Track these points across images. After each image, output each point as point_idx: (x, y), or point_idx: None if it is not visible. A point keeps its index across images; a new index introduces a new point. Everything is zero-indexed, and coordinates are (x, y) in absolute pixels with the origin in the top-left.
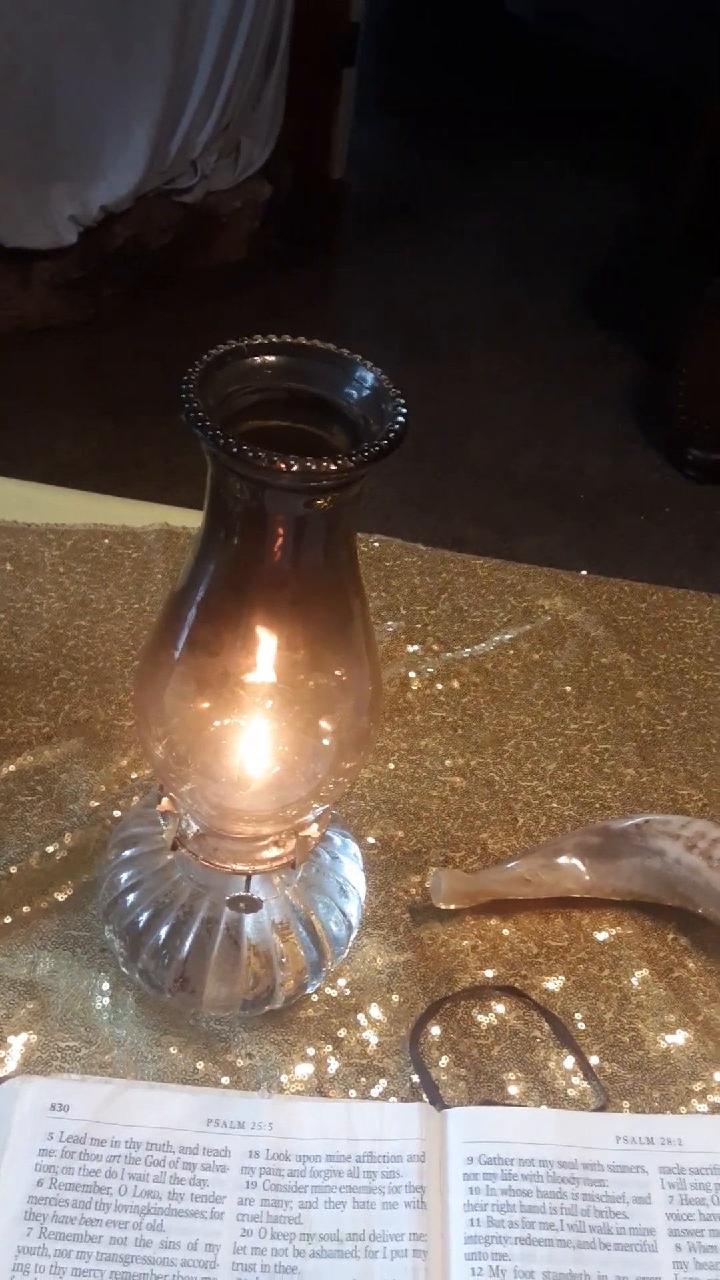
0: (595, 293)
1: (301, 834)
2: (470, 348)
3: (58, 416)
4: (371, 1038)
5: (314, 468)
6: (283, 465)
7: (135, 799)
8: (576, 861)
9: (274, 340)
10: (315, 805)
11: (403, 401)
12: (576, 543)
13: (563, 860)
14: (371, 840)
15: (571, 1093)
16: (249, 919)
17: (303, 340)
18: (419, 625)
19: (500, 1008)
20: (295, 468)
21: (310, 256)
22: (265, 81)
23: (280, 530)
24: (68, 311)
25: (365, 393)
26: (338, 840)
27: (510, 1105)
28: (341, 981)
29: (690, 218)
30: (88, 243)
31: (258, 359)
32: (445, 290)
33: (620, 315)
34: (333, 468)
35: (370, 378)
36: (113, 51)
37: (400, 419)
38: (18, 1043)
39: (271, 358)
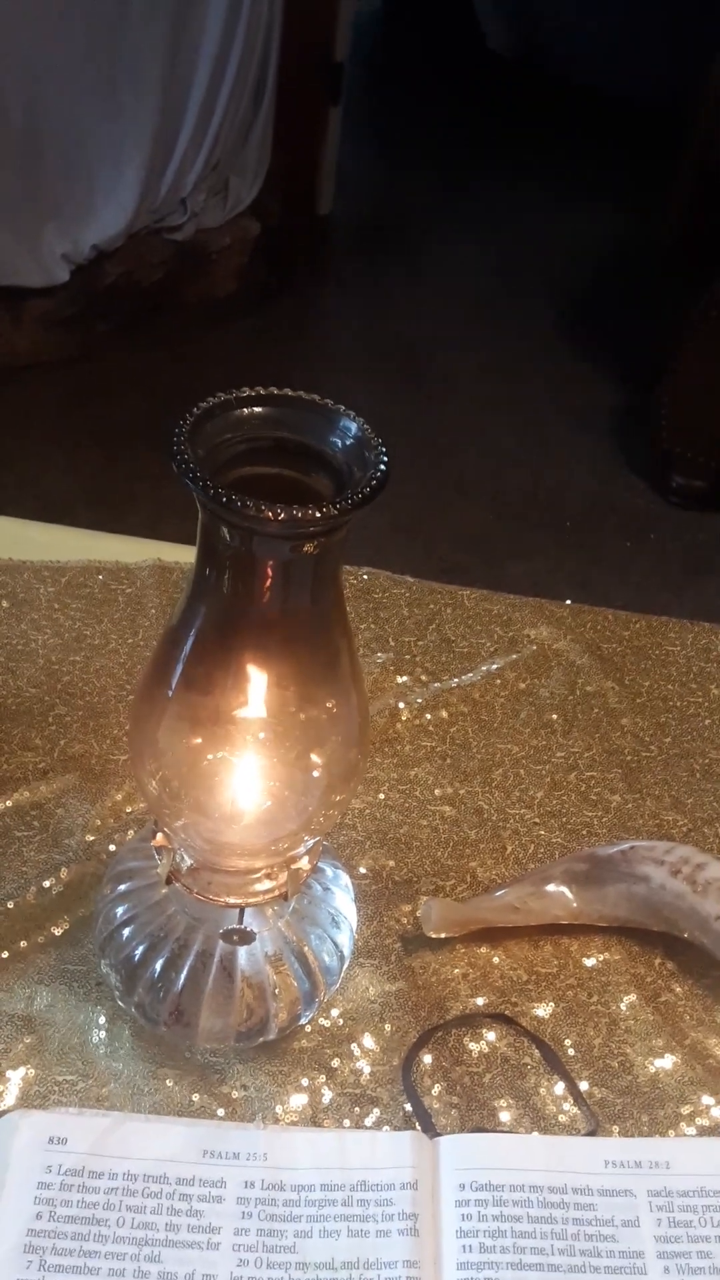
0: (580, 319)
1: (293, 866)
2: (458, 374)
3: (49, 449)
4: (365, 1067)
5: (300, 516)
6: (270, 514)
7: (130, 833)
8: (564, 889)
9: (261, 392)
10: (306, 838)
11: (385, 451)
12: (562, 568)
13: (551, 888)
14: (363, 870)
15: (562, 1118)
16: (242, 951)
17: (289, 392)
18: (408, 656)
19: (491, 1035)
20: (282, 516)
21: (299, 289)
22: (253, 121)
23: (268, 573)
24: (59, 348)
25: (349, 441)
26: (329, 871)
27: (501, 1132)
28: (334, 1012)
29: (675, 243)
30: (79, 280)
31: (246, 410)
32: (433, 318)
33: (605, 341)
34: (317, 515)
35: (354, 427)
36: (102, 92)
37: (382, 467)
38: (16, 1077)
39: (259, 409)
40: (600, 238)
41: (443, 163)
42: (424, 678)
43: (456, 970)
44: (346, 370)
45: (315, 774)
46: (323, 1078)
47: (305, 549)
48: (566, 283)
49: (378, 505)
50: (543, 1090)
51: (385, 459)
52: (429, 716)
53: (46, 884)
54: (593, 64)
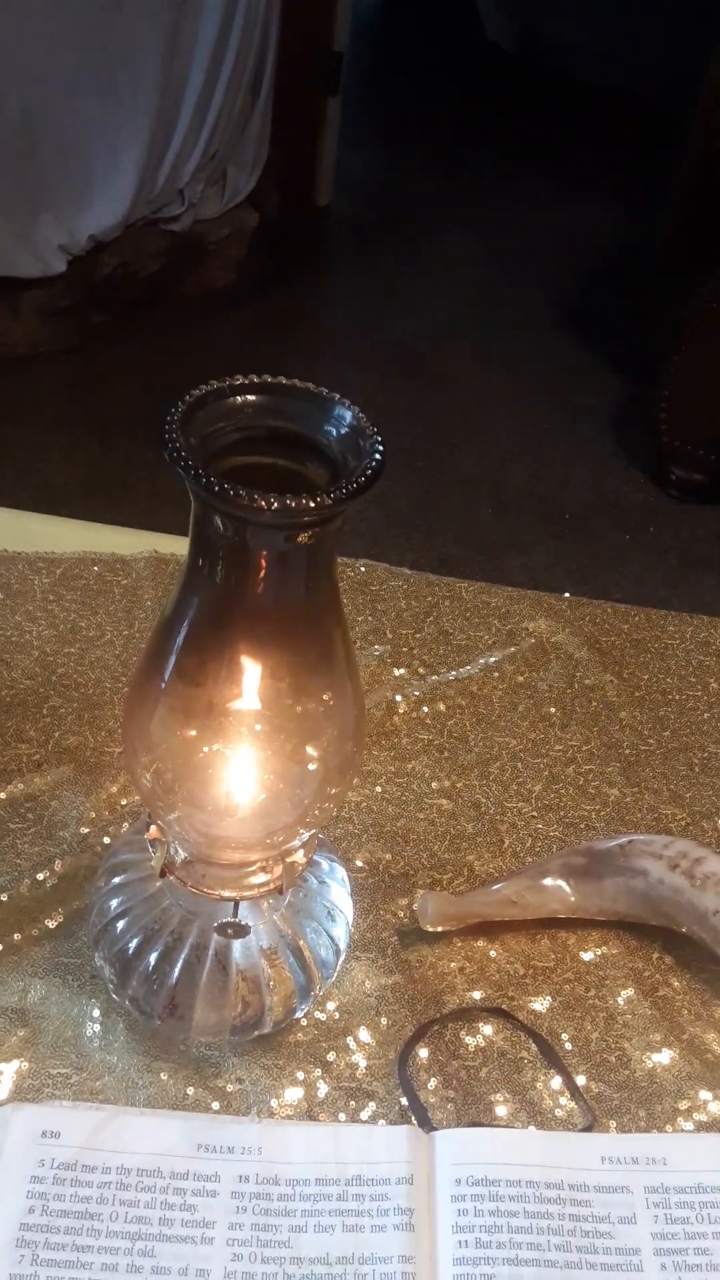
0: (579, 312)
1: (288, 860)
2: (456, 367)
3: (45, 439)
4: (360, 1061)
5: (294, 505)
6: (263, 504)
7: (125, 825)
8: (562, 882)
9: (255, 380)
10: (301, 831)
11: (380, 439)
12: (560, 561)
13: (548, 881)
14: (359, 863)
15: (559, 1113)
16: (237, 945)
17: (283, 380)
18: (405, 649)
19: (488, 1029)
20: (275, 506)
21: (297, 281)
22: (251, 111)
23: (262, 564)
24: (56, 339)
25: (344, 430)
26: (325, 864)
27: (498, 1126)
28: (330, 1005)
29: (674, 236)
30: (76, 271)
31: (239, 398)
32: (431, 311)
33: (604, 334)
34: (311, 505)
35: (348, 416)
36: (99, 81)
37: (378, 456)
38: (9, 1070)
39: (253, 397)
40: (599, 231)
41: (442, 155)
42: (421, 670)
43: (453, 964)
44: (344, 363)
45: (311, 767)
46: (318, 1071)
47: (299, 539)
48: (565, 276)
49: (373, 499)
50: (539, 1085)
51: (380, 448)
52: (426, 709)
53: (40, 876)
54: (592, 57)
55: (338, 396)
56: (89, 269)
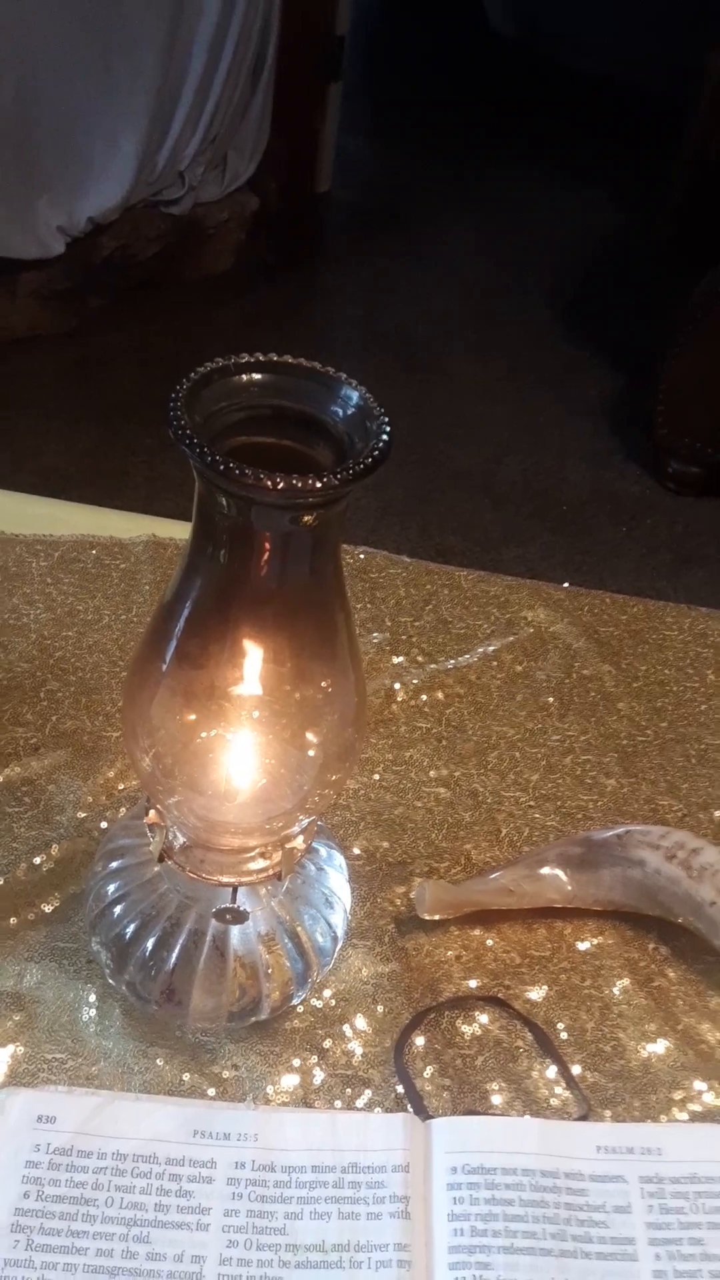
0: (578, 303)
1: (287, 846)
2: (454, 357)
3: (43, 423)
4: (357, 1048)
5: (300, 485)
6: (269, 483)
7: (122, 810)
8: (558, 872)
9: (260, 358)
10: (301, 817)
11: (387, 420)
12: (556, 553)
13: (545, 871)
14: (357, 851)
15: (554, 1102)
16: (235, 931)
17: (289, 359)
18: (404, 637)
19: (484, 1018)
20: (281, 485)
21: (296, 267)
22: (252, 95)
23: (266, 546)
24: (54, 321)
25: (350, 411)
26: (323, 851)
27: (493, 1115)
28: (327, 992)
29: (674, 228)
30: (75, 253)
31: (244, 377)
32: (429, 300)
33: (602, 326)
34: (318, 485)
35: (355, 396)
36: (99, 63)
37: (384, 437)
38: (4, 1054)
39: (258, 375)
40: (598, 223)
41: (442, 144)
42: (420, 658)
43: (450, 952)
44: (340, 352)
45: (311, 753)
46: (314, 1058)
47: (304, 520)
48: (563, 267)
49: (370, 488)
50: (535, 1073)
51: (388, 429)
52: (424, 698)
53: (37, 860)
54: (594, 47)
55: (344, 376)
56: (87, 251)
